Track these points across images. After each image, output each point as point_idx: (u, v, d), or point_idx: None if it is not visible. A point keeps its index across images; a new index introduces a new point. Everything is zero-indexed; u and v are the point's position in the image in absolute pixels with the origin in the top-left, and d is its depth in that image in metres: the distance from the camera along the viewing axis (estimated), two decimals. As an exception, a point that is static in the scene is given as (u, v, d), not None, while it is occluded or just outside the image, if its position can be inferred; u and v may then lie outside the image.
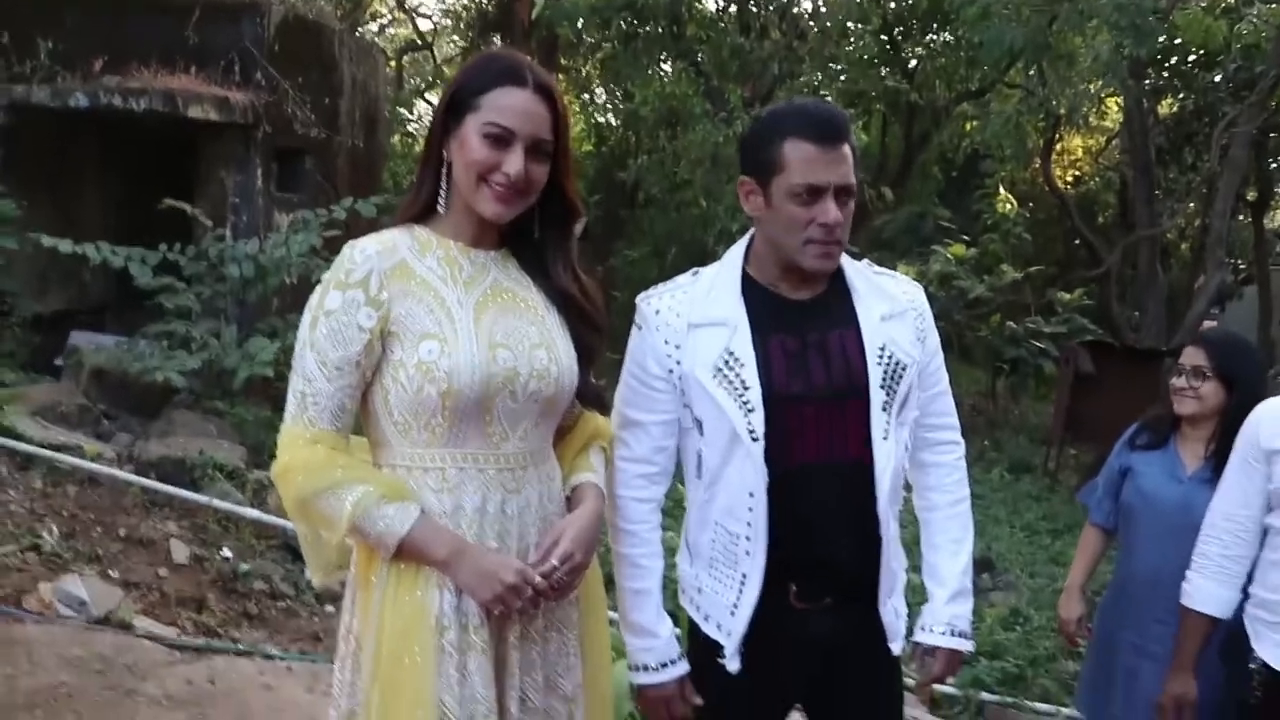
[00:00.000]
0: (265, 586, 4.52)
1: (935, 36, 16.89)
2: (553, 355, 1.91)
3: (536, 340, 1.90)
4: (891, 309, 2.11)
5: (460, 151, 1.85)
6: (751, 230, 2.15)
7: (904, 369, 2.07)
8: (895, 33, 16.25)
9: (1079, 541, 3.41)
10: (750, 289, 2.09)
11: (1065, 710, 4.84)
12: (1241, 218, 16.23)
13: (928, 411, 2.20)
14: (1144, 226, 13.43)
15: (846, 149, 1.99)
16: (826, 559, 2.06)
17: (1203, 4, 11.56)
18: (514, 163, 1.83)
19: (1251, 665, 2.43)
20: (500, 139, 1.83)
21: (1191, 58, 14.05)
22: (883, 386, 2.04)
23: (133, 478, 5.20)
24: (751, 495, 2.01)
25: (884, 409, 2.04)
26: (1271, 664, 2.39)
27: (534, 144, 1.85)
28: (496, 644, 1.86)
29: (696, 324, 2.05)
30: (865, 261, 2.22)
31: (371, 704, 1.82)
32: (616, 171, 15.92)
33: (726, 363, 2.02)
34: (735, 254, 2.14)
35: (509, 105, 1.83)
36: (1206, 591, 2.52)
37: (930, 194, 18.25)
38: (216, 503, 5.07)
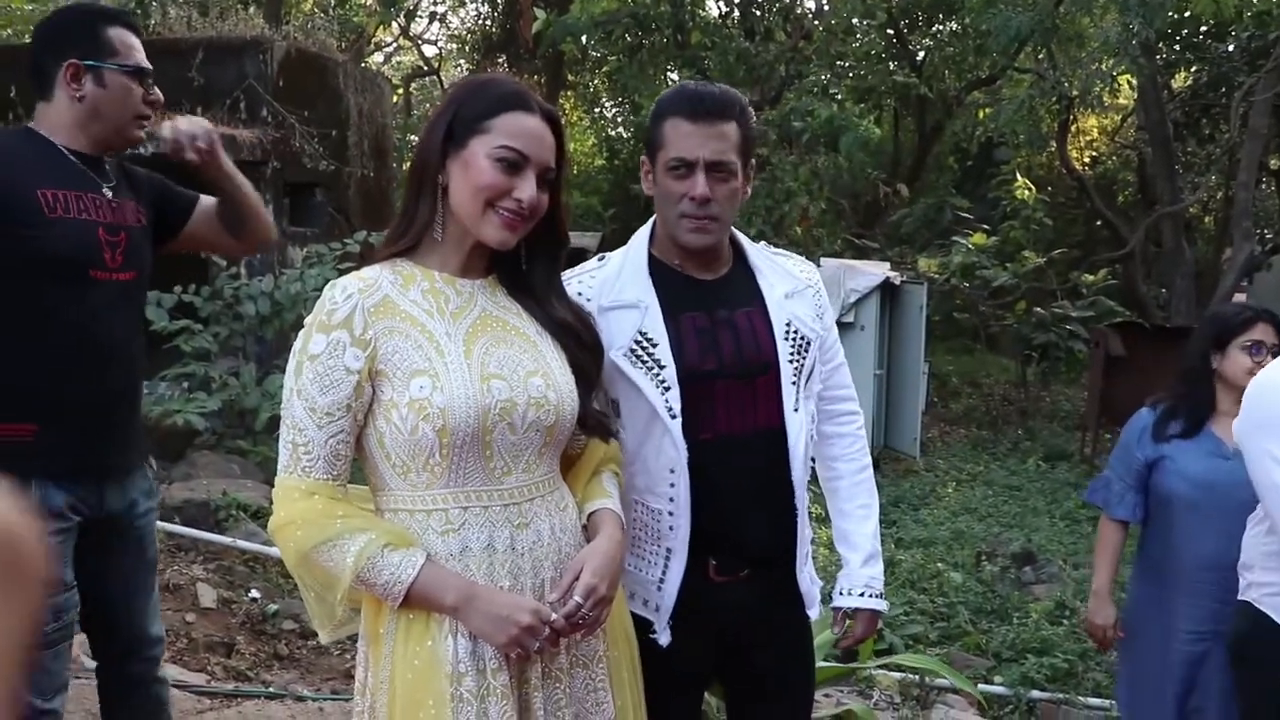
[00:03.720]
0: (295, 626, 4.47)
1: (942, 27, 16.79)
2: (549, 382, 1.84)
3: (531, 368, 1.83)
4: (793, 287, 2.20)
5: (465, 176, 1.78)
6: (655, 214, 2.20)
7: (808, 344, 2.17)
8: (901, 26, 16.16)
9: (1099, 541, 3.28)
10: (658, 270, 2.15)
11: (1120, 704, 4.72)
12: (1265, 187, 15.99)
13: (828, 384, 2.30)
14: (1165, 203, 13.25)
15: (726, 128, 2.05)
16: (744, 529, 2.12)
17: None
18: (527, 188, 1.78)
19: None
20: (514, 164, 1.77)
21: (1203, 29, 13.87)
22: (791, 361, 2.13)
23: (157, 523, 5.17)
24: (673, 471, 2.07)
25: (793, 383, 2.13)
26: None
27: (542, 171, 1.81)
28: (519, 686, 1.79)
29: (607, 307, 2.09)
30: (763, 244, 2.32)
31: (390, 760, 1.74)
32: (630, 184, 15.87)
33: (639, 344, 2.07)
34: (641, 237, 2.19)
35: (522, 130, 1.78)
36: None
37: (947, 185, 18.13)
38: (242, 543, 5.04)
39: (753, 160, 2.18)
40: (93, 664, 3.76)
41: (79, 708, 3.31)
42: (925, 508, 8.64)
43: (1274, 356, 2.88)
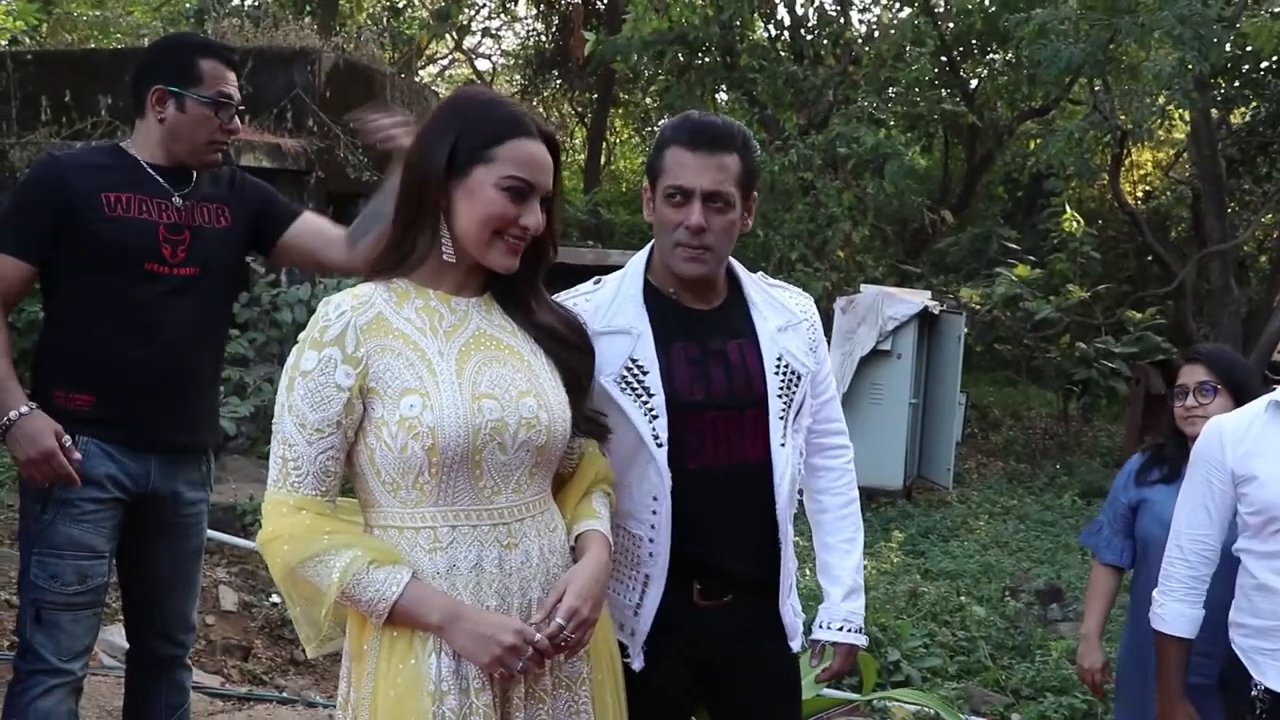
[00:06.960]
0: (311, 633, 4.52)
1: (995, 56, 16.69)
2: (542, 402, 1.85)
3: (524, 388, 1.84)
4: (786, 321, 2.21)
5: (471, 205, 1.79)
6: (653, 240, 2.21)
7: (799, 378, 2.17)
8: (955, 54, 16.08)
9: (1089, 585, 3.28)
10: (652, 297, 2.16)
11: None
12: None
13: (818, 418, 2.30)
14: (1215, 240, 13.03)
15: (727, 159, 2.06)
16: (726, 559, 2.13)
17: (1275, 9, 11.22)
18: (533, 216, 1.81)
19: (1254, 693, 2.41)
20: (521, 193, 1.80)
21: (1264, 65, 13.67)
22: (780, 396, 2.14)
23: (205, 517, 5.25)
24: (655, 499, 2.08)
25: (781, 417, 2.14)
26: (1277, 689, 2.37)
27: (544, 195, 1.83)
28: (501, 706, 1.80)
29: (600, 332, 2.08)
30: (760, 274, 2.31)
31: (369, 777, 1.76)
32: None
33: (630, 370, 2.08)
34: (638, 263, 2.20)
35: (528, 157, 1.81)
36: (1181, 614, 2.51)
37: (995, 215, 17.99)
38: (264, 549, 5.09)
39: (755, 193, 2.18)
40: (112, 661, 3.84)
41: (93, 704, 3.36)
42: (955, 539, 8.55)
43: (1212, 393, 2.88)
